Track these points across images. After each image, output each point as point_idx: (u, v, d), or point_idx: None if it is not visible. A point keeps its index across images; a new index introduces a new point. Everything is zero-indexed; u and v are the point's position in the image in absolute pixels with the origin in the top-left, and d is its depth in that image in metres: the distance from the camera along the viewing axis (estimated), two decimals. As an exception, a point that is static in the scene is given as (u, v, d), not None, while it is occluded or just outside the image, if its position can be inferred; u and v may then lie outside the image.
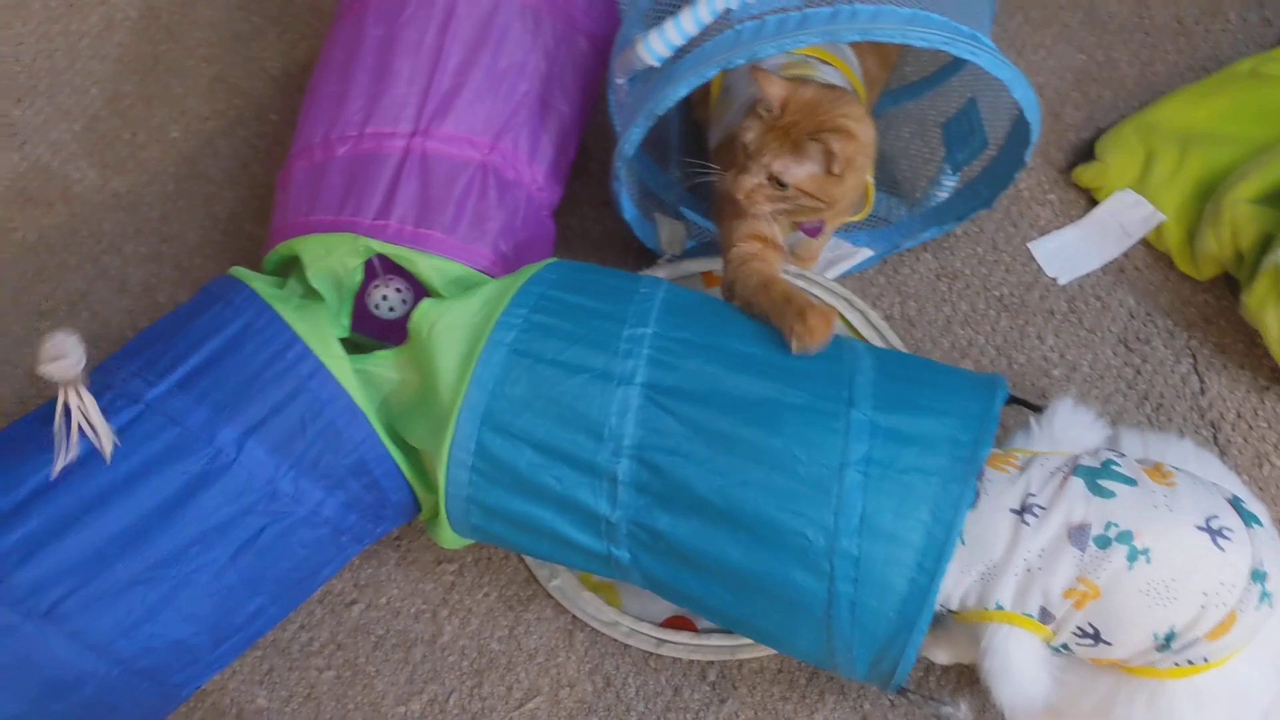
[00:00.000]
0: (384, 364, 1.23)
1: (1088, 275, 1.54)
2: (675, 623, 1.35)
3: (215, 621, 1.16)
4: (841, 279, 1.55)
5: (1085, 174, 1.58)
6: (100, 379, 1.18)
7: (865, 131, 1.24)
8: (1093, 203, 1.58)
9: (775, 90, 1.21)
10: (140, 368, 1.18)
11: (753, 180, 1.23)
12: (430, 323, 1.19)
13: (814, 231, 1.35)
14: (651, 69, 1.28)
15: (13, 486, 1.11)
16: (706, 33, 1.24)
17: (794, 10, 1.19)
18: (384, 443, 1.21)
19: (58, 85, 1.74)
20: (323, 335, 1.21)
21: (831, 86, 1.27)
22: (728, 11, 1.22)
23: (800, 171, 1.22)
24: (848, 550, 1.06)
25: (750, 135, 1.24)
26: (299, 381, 1.17)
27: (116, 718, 1.17)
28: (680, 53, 1.26)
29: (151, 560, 1.11)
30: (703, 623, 1.35)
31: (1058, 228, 1.57)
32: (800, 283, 1.43)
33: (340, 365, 1.20)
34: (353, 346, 1.25)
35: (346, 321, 1.31)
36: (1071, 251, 1.56)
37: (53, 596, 1.08)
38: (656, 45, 1.24)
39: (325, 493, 1.19)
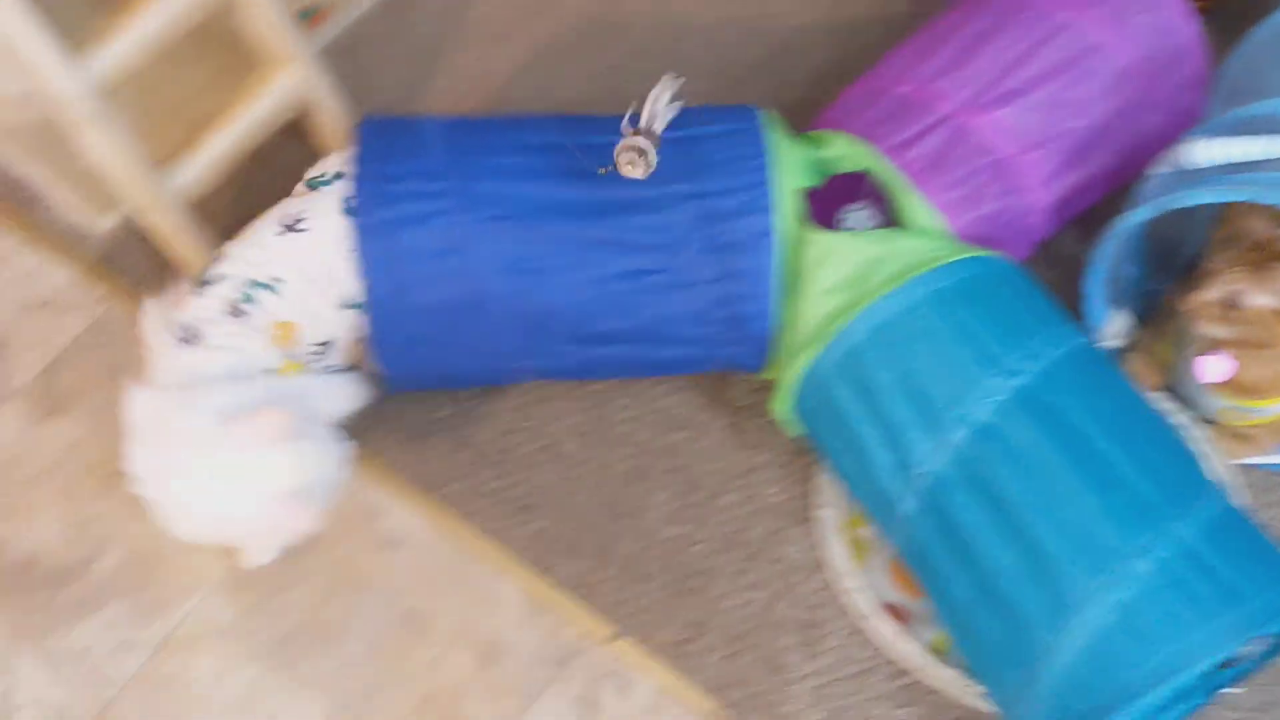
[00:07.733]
0: (840, 241, 1.39)
1: None
2: (891, 610, 1.41)
3: (580, 317, 1.39)
4: (1247, 467, 1.50)
5: None
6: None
7: None
8: None
9: (1259, 223, 1.25)
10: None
11: (1205, 296, 1.28)
12: (892, 241, 1.36)
13: None
14: (1189, 170, 1.32)
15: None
16: (1257, 163, 1.26)
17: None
18: (774, 278, 1.36)
19: None
20: (787, 160, 1.40)
21: None
22: (1285, 156, 1.23)
23: (1258, 299, 1.25)
24: (1092, 621, 1.12)
25: (1218, 257, 1.28)
26: (747, 178, 1.37)
27: (477, 340, 1.42)
28: (1226, 169, 1.28)
29: (537, 238, 1.37)
30: (913, 622, 1.41)
31: None
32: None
33: (782, 192, 1.37)
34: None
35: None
36: None
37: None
38: (1204, 151, 1.29)
39: (712, 278, 1.37)
